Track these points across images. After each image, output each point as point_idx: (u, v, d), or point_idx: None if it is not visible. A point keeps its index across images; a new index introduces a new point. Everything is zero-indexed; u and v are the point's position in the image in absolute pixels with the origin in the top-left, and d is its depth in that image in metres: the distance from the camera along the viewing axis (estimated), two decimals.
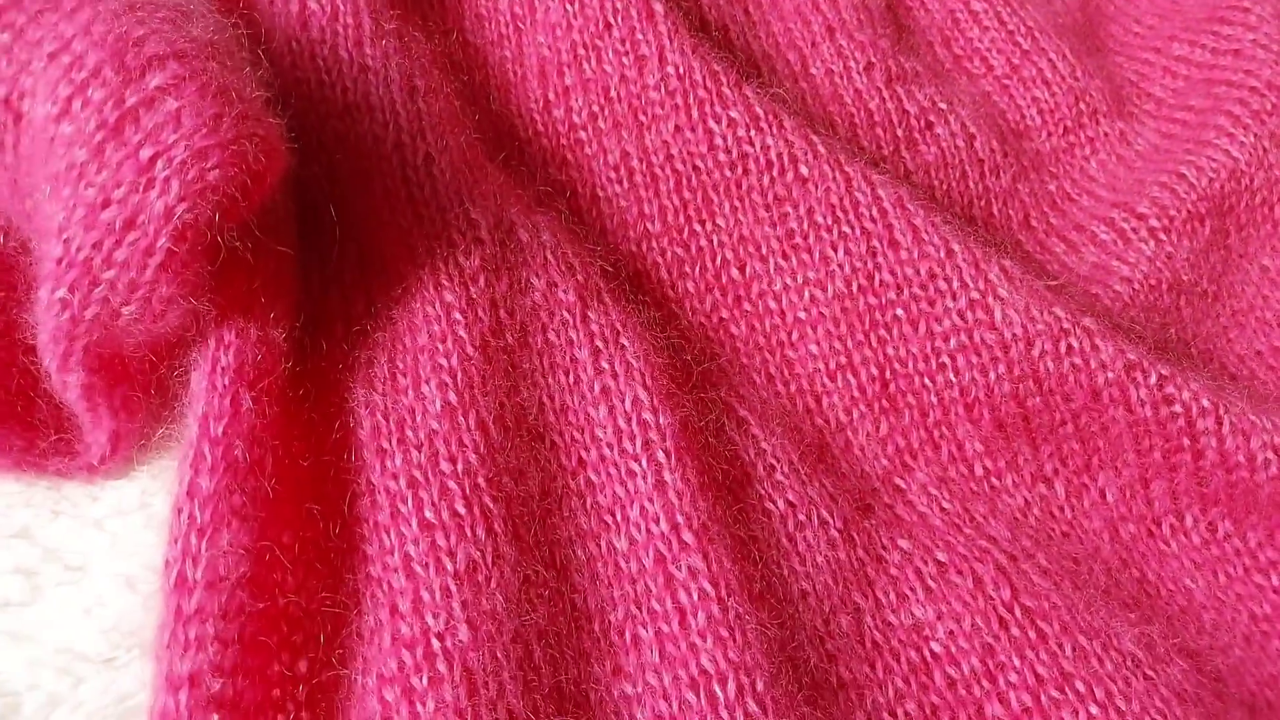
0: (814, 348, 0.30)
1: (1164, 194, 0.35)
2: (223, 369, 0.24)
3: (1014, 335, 0.28)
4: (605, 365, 0.27)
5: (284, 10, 0.32)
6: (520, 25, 0.36)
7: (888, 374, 0.30)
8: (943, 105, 0.38)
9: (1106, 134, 0.40)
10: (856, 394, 0.30)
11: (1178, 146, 0.38)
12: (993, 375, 0.28)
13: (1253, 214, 0.35)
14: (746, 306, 0.31)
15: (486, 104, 0.35)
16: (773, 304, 0.31)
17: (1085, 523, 0.29)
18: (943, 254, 0.29)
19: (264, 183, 0.23)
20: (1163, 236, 0.34)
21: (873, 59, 0.39)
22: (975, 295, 0.28)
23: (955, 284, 0.29)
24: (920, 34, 0.42)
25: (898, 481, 0.29)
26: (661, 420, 0.26)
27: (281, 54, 0.31)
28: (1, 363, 0.25)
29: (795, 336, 0.31)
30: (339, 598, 0.24)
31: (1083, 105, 0.40)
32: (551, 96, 0.34)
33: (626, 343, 0.28)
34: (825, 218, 0.31)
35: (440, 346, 0.26)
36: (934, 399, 0.29)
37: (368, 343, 0.27)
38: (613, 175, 0.33)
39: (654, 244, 0.32)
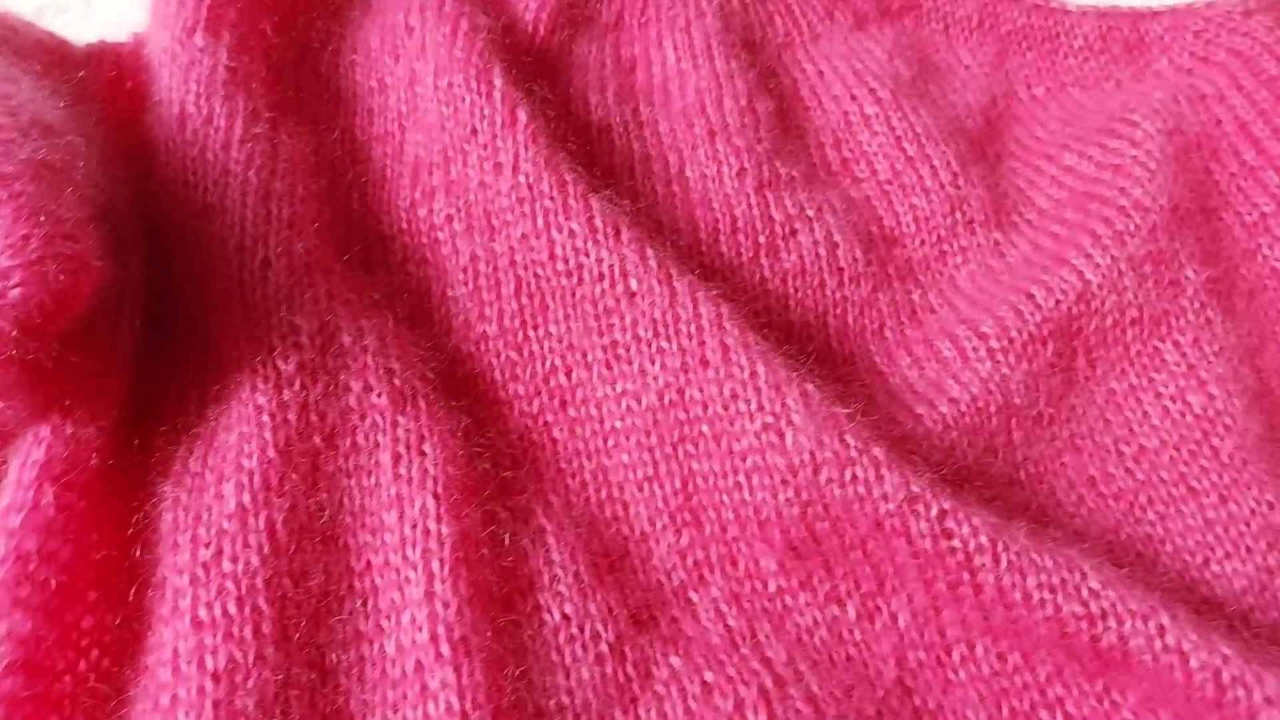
0: (625, 457, 0.31)
1: (1009, 313, 0.35)
2: (31, 463, 0.26)
3: (802, 461, 0.29)
4: (403, 471, 0.29)
5: (168, 113, 0.34)
6: (404, 124, 0.38)
7: (691, 487, 0.31)
8: (810, 212, 0.39)
9: (980, 244, 0.40)
10: (661, 505, 0.31)
11: (1041, 262, 0.38)
12: (782, 498, 0.29)
13: (1103, 337, 0.36)
14: (571, 412, 0.32)
15: (362, 199, 0.37)
16: (593, 411, 0.32)
17: (874, 646, 0.29)
18: (747, 375, 0.30)
19: (72, 298, 0.25)
20: (1000, 358, 0.34)
21: (746, 165, 0.40)
22: (769, 419, 0.29)
23: (754, 405, 0.30)
24: (813, 135, 0.43)
25: (691, 595, 0.30)
26: (444, 530, 0.28)
27: (160, 153, 0.34)
28: None
29: (610, 444, 0.32)
30: (114, 688, 0.26)
31: (959, 214, 0.40)
32: (418, 196, 0.36)
33: (428, 450, 0.29)
34: (647, 331, 0.32)
35: (245, 447, 0.28)
36: (731, 515, 0.30)
37: (188, 438, 0.29)
38: (461, 276, 0.34)
39: (490, 345, 0.33)
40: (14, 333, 0.24)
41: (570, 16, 0.44)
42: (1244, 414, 0.34)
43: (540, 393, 0.33)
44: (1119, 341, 0.36)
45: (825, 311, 0.37)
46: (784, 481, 0.29)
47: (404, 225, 0.36)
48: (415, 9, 0.40)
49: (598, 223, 0.33)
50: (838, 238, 0.39)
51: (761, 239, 0.38)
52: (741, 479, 0.30)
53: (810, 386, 0.30)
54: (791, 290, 0.37)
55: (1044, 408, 0.34)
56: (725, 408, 0.30)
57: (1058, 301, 0.35)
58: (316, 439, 0.29)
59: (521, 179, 0.34)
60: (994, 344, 0.35)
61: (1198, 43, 0.45)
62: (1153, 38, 0.46)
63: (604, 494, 0.31)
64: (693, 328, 0.31)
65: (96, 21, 0.44)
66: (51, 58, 0.37)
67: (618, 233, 0.33)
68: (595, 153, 0.40)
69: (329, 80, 0.40)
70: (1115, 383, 0.35)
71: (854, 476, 0.28)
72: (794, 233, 0.38)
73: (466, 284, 0.34)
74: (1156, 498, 0.33)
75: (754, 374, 0.30)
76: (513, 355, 0.33)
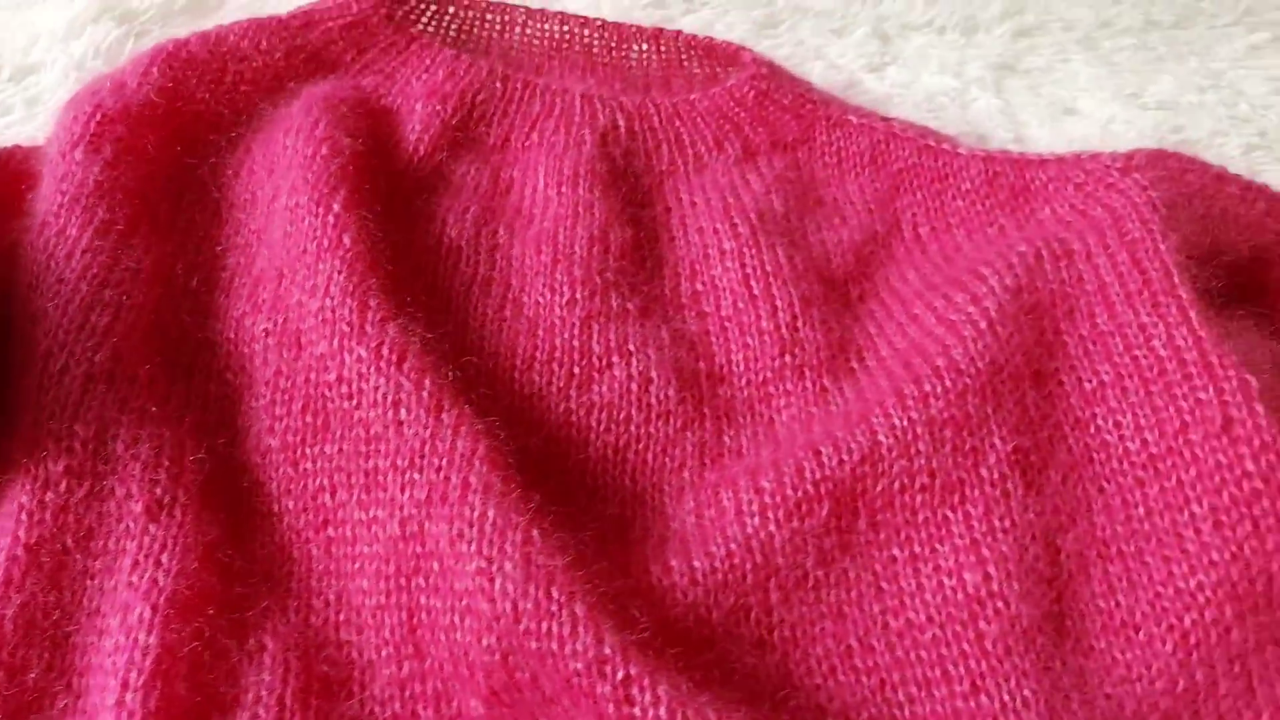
0: (365, 583, 0.32)
1: (791, 468, 0.35)
2: None
3: (505, 609, 0.29)
4: (135, 579, 0.30)
5: (36, 221, 0.37)
6: (260, 238, 0.41)
7: (416, 621, 0.31)
8: (631, 347, 0.40)
9: (806, 391, 0.40)
10: (388, 635, 0.31)
11: (850, 414, 0.37)
12: (486, 642, 0.29)
13: (890, 500, 0.35)
14: (329, 532, 0.34)
15: (199, 308, 0.39)
16: (347, 534, 0.33)
17: None
18: (475, 515, 0.31)
19: None
20: (770, 514, 0.34)
21: (578, 295, 0.41)
22: (483, 563, 0.30)
23: (474, 548, 0.30)
24: (670, 266, 0.44)
25: None
26: (150, 640, 0.29)
27: (20, 259, 0.37)
28: None
29: (356, 568, 0.33)
30: None
31: (788, 358, 0.40)
32: (249, 308, 0.38)
33: (164, 560, 0.31)
34: (404, 461, 0.33)
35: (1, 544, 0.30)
36: (447, 654, 0.30)
37: None
38: (264, 389, 0.36)
39: (273, 459, 0.35)
40: None
41: (454, 138, 0.47)
42: (1020, 598, 0.33)
43: (306, 510, 0.34)
44: (906, 507, 0.35)
45: (626, 447, 0.38)
46: (489, 627, 0.29)
47: (231, 335, 0.38)
48: (294, 128, 0.43)
49: (384, 350, 0.35)
50: (653, 374, 0.39)
51: (576, 370, 0.39)
52: (458, 619, 0.30)
53: (537, 533, 0.30)
54: (595, 424, 0.38)
55: (811, 569, 0.34)
56: (452, 545, 0.31)
57: (842, 460, 0.35)
58: (69, 539, 0.31)
59: (328, 301, 0.36)
60: (767, 499, 0.34)
61: (1077, 195, 0.44)
62: (1037, 186, 0.45)
63: (342, 617, 0.32)
64: (443, 462, 0.32)
65: (38, 124, 0.49)
66: None
67: (400, 361, 0.34)
68: (439, 274, 0.42)
69: (207, 192, 0.43)
70: (897, 550, 0.34)
71: (549, 631, 0.29)
72: (609, 366, 0.39)
73: (266, 397, 0.36)
74: (910, 678, 0.32)
75: (481, 515, 0.31)
76: (289, 471, 0.35)
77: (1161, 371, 0.36)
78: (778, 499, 0.34)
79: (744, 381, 0.40)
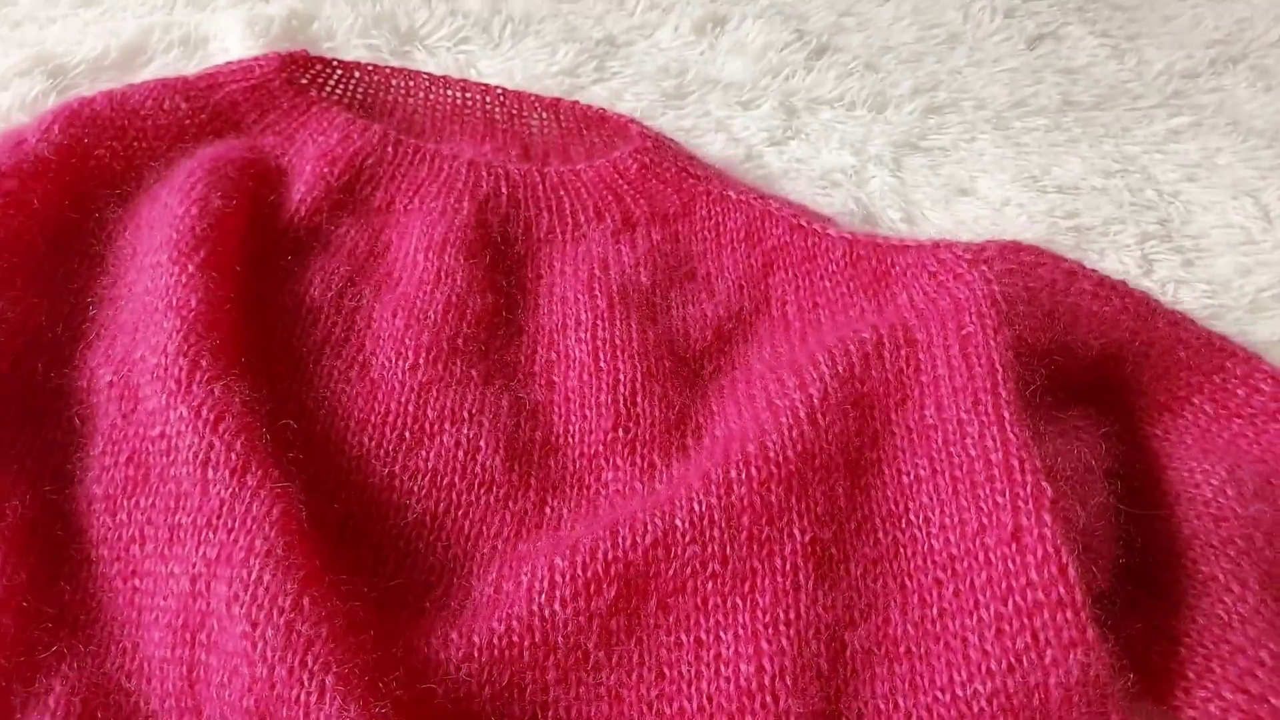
0: (157, 635, 0.33)
1: (587, 546, 0.35)
2: None
3: (262, 673, 0.30)
4: None
5: None
6: (129, 294, 0.43)
7: (195, 677, 0.32)
8: (465, 414, 0.41)
9: (634, 466, 0.40)
10: (170, 688, 0.33)
11: (659, 494, 0.38)
12: (245, 703, 0.30)
13: (681, 585, 0.35)
14: (135, 583, 0.35)
15: (56, 358, 0.40)
16: (151, 586, 0.34)
17: None
18: (252, 578, 0.32)
19: None
20: (557, 591, 0.34)
21: (421, 360, 0.42)
22: (248, 628, 0.31)
23: (245, 609, 0.31)
24: (529, 335, 0.46)
25: None
26: None
27: None
28: None
29: (151, 619, 0.34)
30: None
31: (620, 432, 0.41)
32: (102, 358, 0.40)
33: None
34: (202, 519, 0.34)
35: None
36: (218, 712, 0.31)
37: None
38: (100, 439, 0.38)
39: (97, 506, 0.37)
40: None
41: (337, 200, 0.49)
42: (791, 693, 0.33)
43: (118, 559, 0.35)
44: (697, 593, 0.35)
45: (445, 514, 0.39)
46: (249, 689, 0.30)
47: (84, 385, 0.40)
48: (176, 186, 0.45)
49: (203, 410, 0.36)
50: (482, 443, 0.40)
51: (407, 435, 0.40)
52: (227, 678, 0.31)
53: (307, 600, 0.31)
54: (416, 490, 0.39)
55: (593, 650, 0.34)
56: (228, 606, 0.32)
57: (635, 542, 0.35)
58: None
59: (163, 359, 0.38)
60: (557, 577, 0.35)
61: (931, 283, 0.44)
62: (896, 272, 0.46)
63: (134, 665, 0.33)
64: (235, 523, 0.33)
65: None
66: None
67: (218, 421, 0.36)
68: (295, 333, 0.43)
69: (89, 246, 0.45)
70: (683, 635, 0.35)
71: (299, 698, 0.29)
72: (440, 432, 0.40)
73: (99, 447, 0.38)
74: None
75: (256, 580, 0.32)
76: (107, 520, 0.36)
77: (969, 470, 0.37)
78: (567, 577, 0.35)
79: (576, 453, 0.41)
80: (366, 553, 0.37)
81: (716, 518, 0.36)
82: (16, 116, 0.54)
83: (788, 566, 0.35)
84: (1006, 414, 0.37)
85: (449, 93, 0.55)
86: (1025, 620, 0.33)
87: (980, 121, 0.61)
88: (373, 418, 0.41)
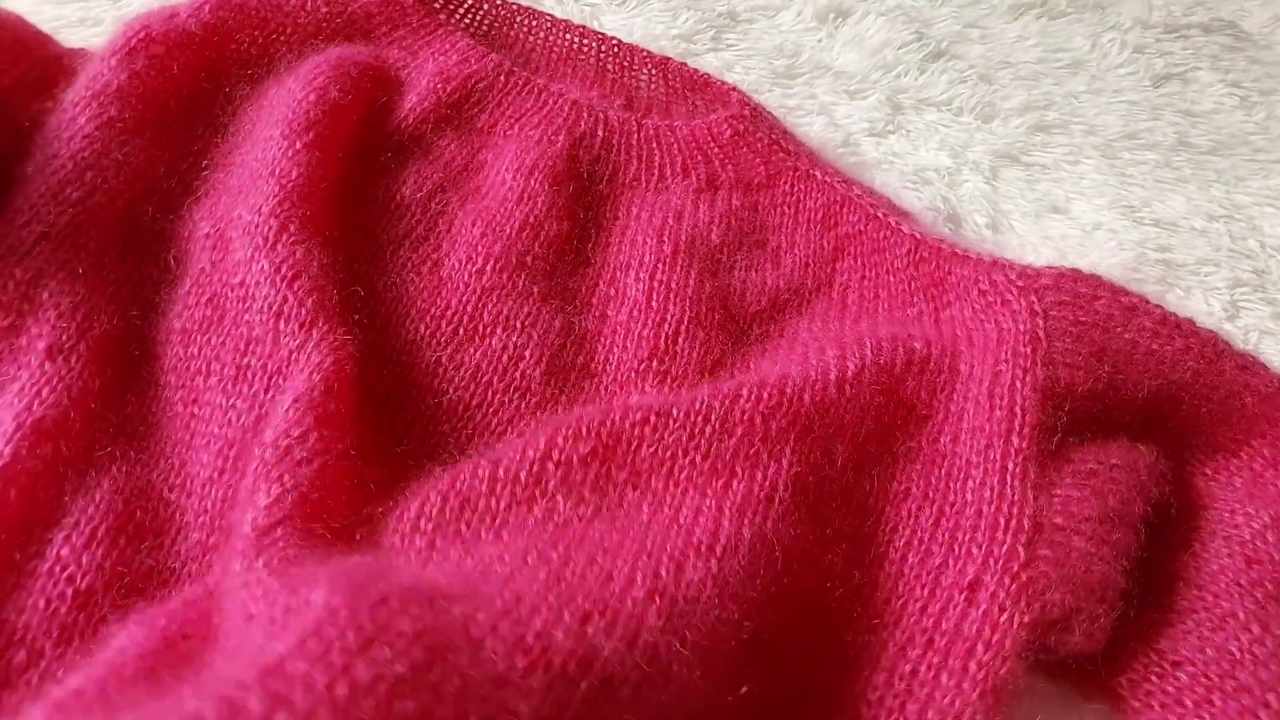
0: (206, 458, 0.36)
1: (579, 415, 0.36)
2: None
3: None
4: (14, 401, 0.35)
5: (63, 100, 0.44)
6: (243, 162, 0.46)
7: (232, 503, 0.35)
8: (516, 324, 0.43)
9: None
10: (208, 506, 0.35)
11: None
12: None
13: (659, 463, 0.34)
14: (194, 409, 0.37)
15: (167, 208, 0.44)
16: (208, 414, 0.37)
17: None
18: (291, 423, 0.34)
19: None
20: (540, 447, 0.35)
21: (487, 266, 0.44)
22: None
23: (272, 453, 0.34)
24: (594, 267, 0.47)
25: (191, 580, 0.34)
26: (4, 449, 0.34)
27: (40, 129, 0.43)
28: None
29: (203, 443, 0.37)
30: None
31: (655, 364, 0.43)
32: (206, 213, 0.44)
33: (44, 393, 0.36)
34: (270, 365, 0.37)
35: None
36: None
37: None
38: (186, 281, 0.41)
39: (175, 338, 0.39)
40: None
41: (445, 115, 0.51)
42: (741, 573, 0.32)
43: (183, 386, 0.39)
44: (671, 476, 0.34)
45: (476, 407, 0.41)
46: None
47: (187, 233, 0.44)
48: (301, 75, 0.49)
49: (284, 266, 0.39)
50: (526, 353, 0.42)
51: (460, 330, 0.42)
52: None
53: (315, 438, 0.34)
54: (456, 380, 0.41)
55: (555, 492, 0.33)
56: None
57: (625, 416, 0.35)
58: None
59: (255, 217, 0.41)
60: (545, 437, 0.35)
61: (980, 301, 0.44)
62: (952, 280, 0.46)
63: (177, 480, 0.36)
64: (295, 371, 0.36)
65: None
66: (22, 50, 0.48)
67: (294, 278, 0.39)
68: (381, 223, 0.46)
69: (216, 116, 0.48)
70: (647, 503, 0.33)
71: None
72: (490, 335, 0.42)
73: (185, 286, 0.41)
74: None
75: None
76: (179, 350, 0.39)
77: (957, 509, 0.37)
78: (555, 437, 0.35)
79: (610, 379, 0.42)
80: (399, 424, 0.40)
81: (713, 418, 0.36)
82: None
83: (767, 483, 0.35)
84: (1011, 466, 0.37)
85: (567, 36, 0.57)
86: (950, 661, 0.33)
87: (1088, 146, 0.60)
88: (433, 309, 0.43)
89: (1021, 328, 0.41)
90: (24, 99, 0.46)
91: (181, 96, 0.48)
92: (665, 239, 0.47)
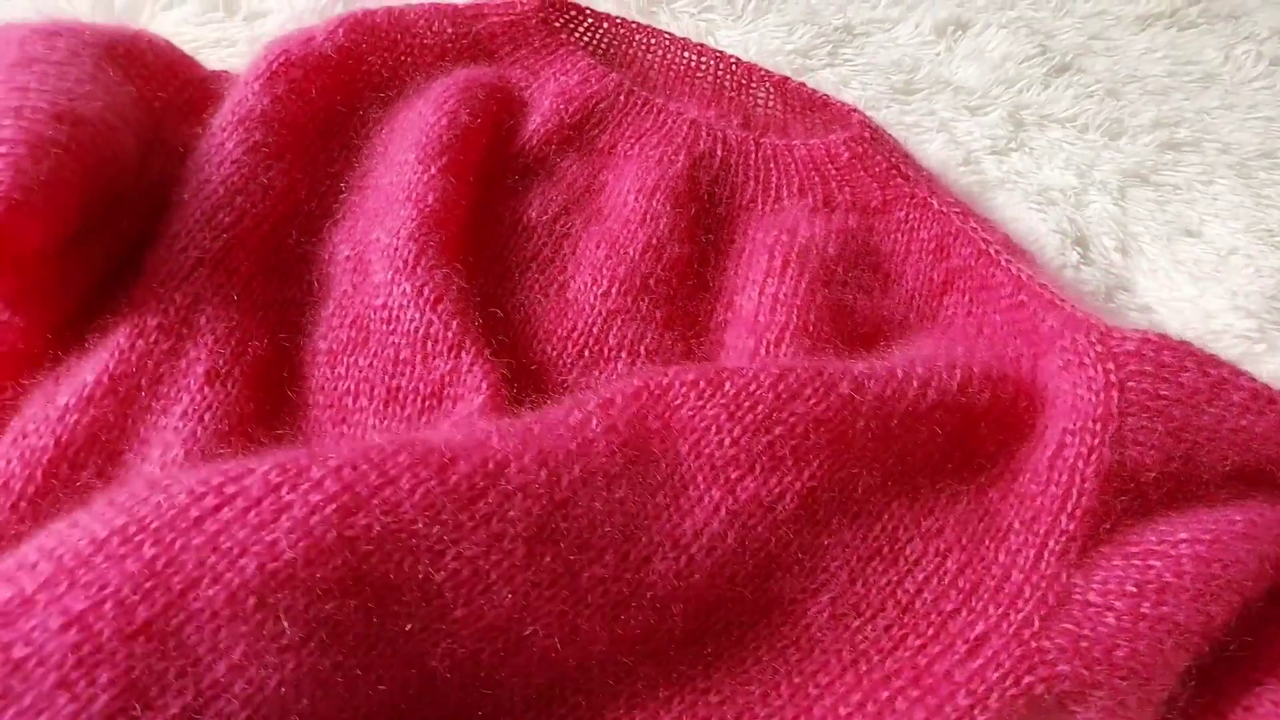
0: None
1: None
2: None
3: None
4: (180, 425, 0.37)
5: (210, 125, 0.46)
6: (377, 181, 0.48)
7: None
8: (642, 349, 0.44)
9: None
10: None
11: None
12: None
13: (684, 427, 0.35)
14: (344, 429, 0.39)
15: (308, 227, 0.46)
16: (358, 435, 0.39)
17: None
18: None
19: (21, 230, 0.37)
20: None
21: (613, 290, 0.46)
22: None
23: None
24: (714, 290, 0.48)
25: None
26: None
27: (188, 153, 0.46)
28: None
29: None
30: None
31: None
32: (344, 237, 0.45)
33: (207, 418, 0.37)
34: (425, 388, 0.39)
35: (91, 367, 0.38)
36: None
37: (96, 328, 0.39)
38: (330, 304, 0.43)
39: (321, 359, 0.41)
40: None
41: (567, 136, 0.52)
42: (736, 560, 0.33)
43: (331, 407, 0.40)
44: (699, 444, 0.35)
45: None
46: None
47: (325, 256, 0.45)
48: (432, 99, 0.50)
49: (426, 290, 0.40)
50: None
51: (586, 353, 0.43)
52: None
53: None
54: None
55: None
56: None
57: (662, 380, 0.36)
58: (143, 380, 0.38)
59: (394, 240, 0.42)
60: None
61: (1060, 360, 0.41)
62: (1044, 331, 0.44)
63: None
64: (464, 394, 0.37)
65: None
66: (171, 73, 0.50)
67: (436, 302, 0.40)
68: (509, 246, 0.47)
69: (350, 138, 0.50)
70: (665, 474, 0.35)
71: None
72: (615, 359, 0.43)
73: (329, 309, 0.43)
74: None
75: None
76: (327, 372, 0.41)
77: (985, 566, 0.36)
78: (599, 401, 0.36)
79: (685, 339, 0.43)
80: None
81: (759, 409, 0.35)
82: (307, 18, 0.61)
83: (776, 490, 0.35)
84: (1052, 545, 0.36)
85: (685, 54, 0.58)
86: (928, 700, 0.33)
87: (1221, 165, 0.58)
88: (559, 331, 0.44)
89: (1095, 398, 0.38)
90: (174, 121, 0.48)
91: (318, 119, 0.50)
92: (776, 253, 0.47)
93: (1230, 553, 0.37)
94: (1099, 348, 0.40)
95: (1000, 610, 0.35)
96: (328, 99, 0.50)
